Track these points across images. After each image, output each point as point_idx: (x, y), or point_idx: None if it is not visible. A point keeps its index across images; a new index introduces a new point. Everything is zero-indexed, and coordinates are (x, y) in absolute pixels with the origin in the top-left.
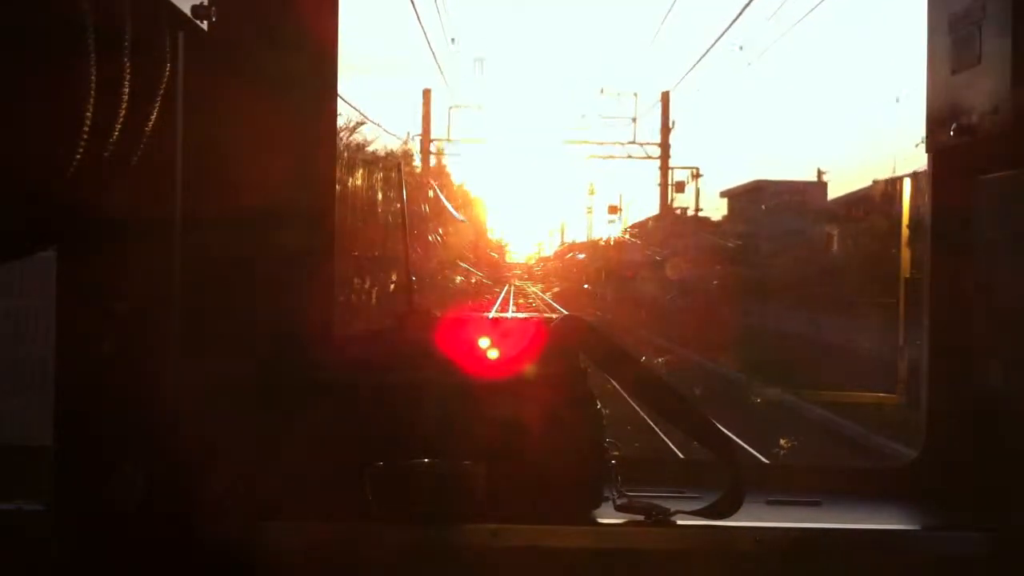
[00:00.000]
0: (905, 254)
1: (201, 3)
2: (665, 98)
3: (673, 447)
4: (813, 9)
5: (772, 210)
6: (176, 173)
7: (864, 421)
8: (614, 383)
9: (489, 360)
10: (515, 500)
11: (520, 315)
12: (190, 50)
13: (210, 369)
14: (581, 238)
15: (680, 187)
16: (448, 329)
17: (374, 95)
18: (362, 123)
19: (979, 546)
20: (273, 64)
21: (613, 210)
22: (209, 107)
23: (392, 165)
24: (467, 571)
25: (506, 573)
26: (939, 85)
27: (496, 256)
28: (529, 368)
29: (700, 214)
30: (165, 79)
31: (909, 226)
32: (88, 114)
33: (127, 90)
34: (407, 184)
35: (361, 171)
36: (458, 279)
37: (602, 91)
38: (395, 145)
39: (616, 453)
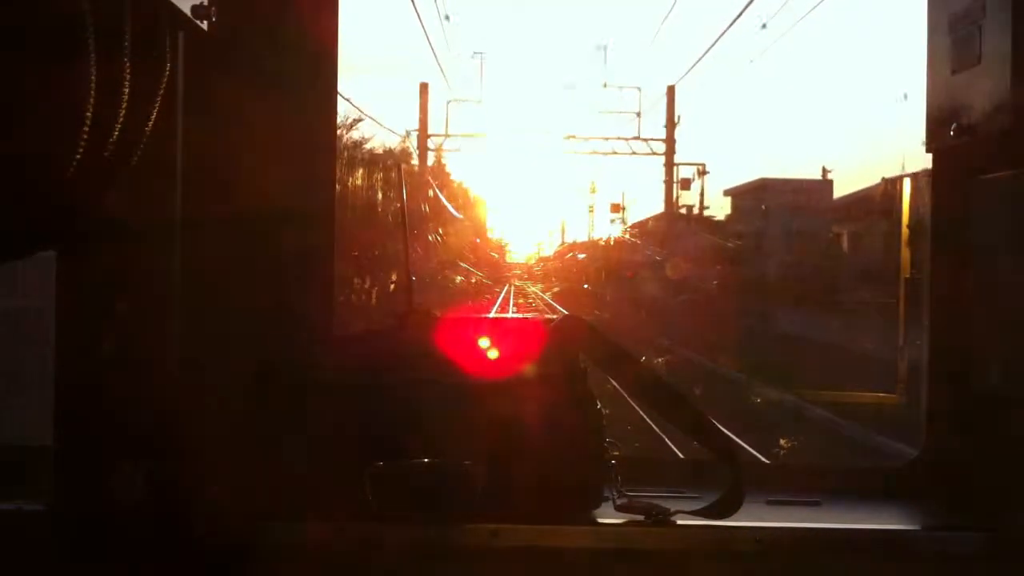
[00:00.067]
0: (905, 254)
1: (201, 3)
2: (670, 92)
3: (673, 447)
4: (816, 6)
5: (777, 209)
6: (176, 173)
7: (864, 421)
8: (614, 383)
9: (489, 360)
10: (515, 500)
11: (520, 316)
12: (190, 50)
13: (210, 369)
14: (582, 237)
15: (685, 184)
16: (448, 329)
17: (374, 95)
18: (360, 120)
19: (979, 546)
20: (273, 64)
21: (616, 208)
22: (209, 107)
23: (390, 162)
24: (467, 571)
25: (506, 573)
26: (939, 85)
27: (496, 256)
28: (529, 368)
29: (705, 213)
30: (165, 79)
31: (909, 226)
32: (88, 114)
33: (127, 90)
34: (407, 183)
35: (359, 169)
36: (458, 279)
37: (605, 85)
38: (393, 142)
39: (616, 453)
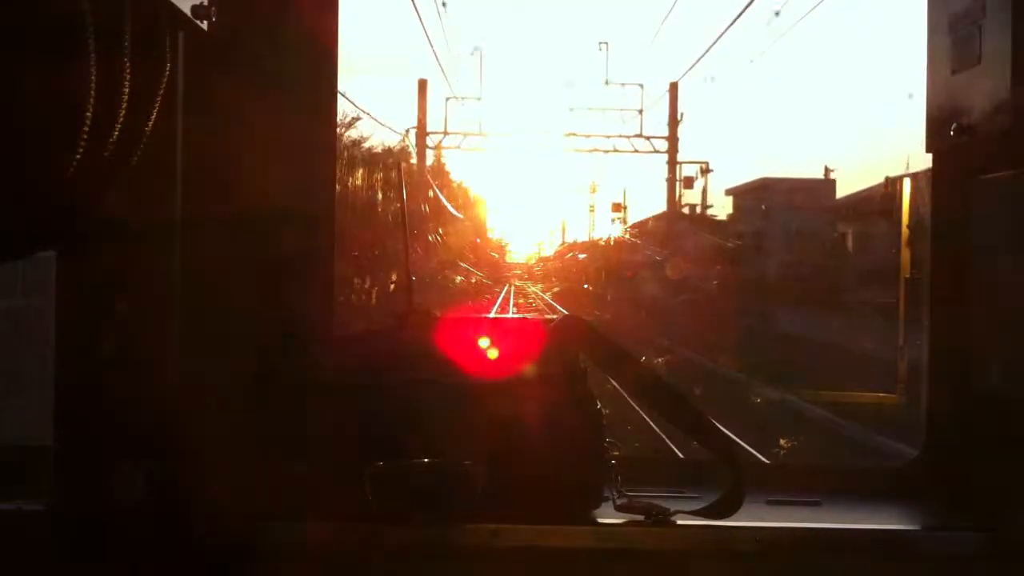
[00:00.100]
0: (905, 254)
1: (201, 3)
2: (673, 89)
3: (673, 447)
4: (816, 6)
5: (779, 208)
6: (176, 173)
7: (864, 421)
8: (614, 383)
9: (489, 360)
10: (515, 500)
11: (520, 316)
12: (190, 50)
13: (210, 369)
14: (582, 237)
15: (688, 183)
16: (448, 329)
17: (374, 95)
18: (357, 118)
19: (979, 546)
20: (273, 64)
21: (617, 208)
22: (209, 107)
23: (390, 161)
24: (467, 571)
25: (506, 573)
26: (939, 85)
27: (496, 256)
28: (529, 368)
29: (708, 212)
30: (165, 79)
31: (909, 226)
32: (88, 114)
33: (127, 90)
34: (407, 183)
35: (358, 167)
36: (458, 279)
37: (607, 82)
38: (393, 141)
39: (616, 453)
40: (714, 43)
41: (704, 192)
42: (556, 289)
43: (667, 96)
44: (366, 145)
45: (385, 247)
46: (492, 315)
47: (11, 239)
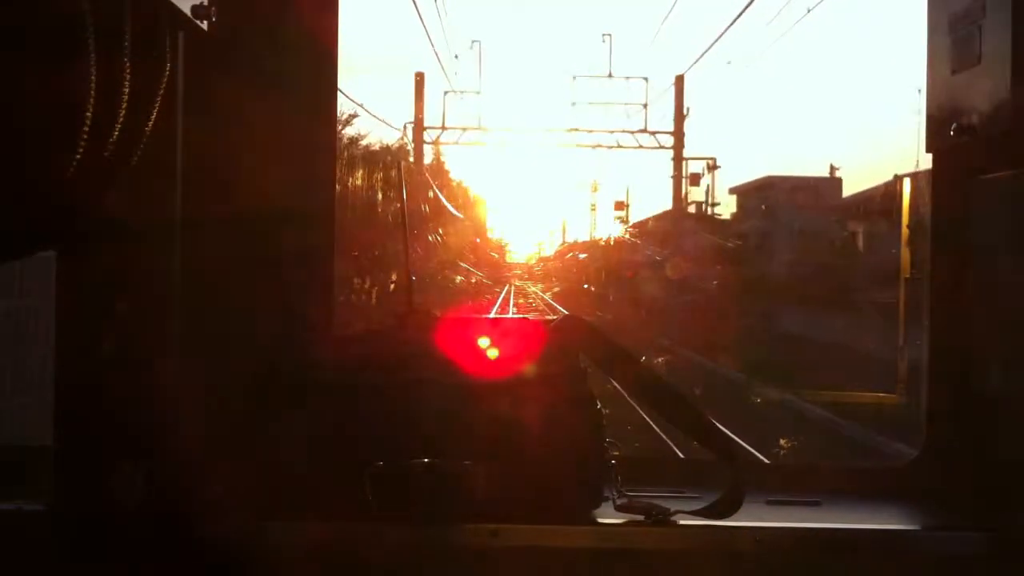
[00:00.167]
0: (905, 254)
1: (201, 3)
2: (679, 82)
3: (673, 447)
4: (820, 2)
5: (784, 207)
6: (176, 173)
7: (864, 421)
8: (614, 383)
9: (489, 360)
10: (515, 500)
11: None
12: (190, 50)
13: (210, 369)
14: (583, 237)
15: (695, 179)
16: (448, 329)
17: (374, 95)
18: (355, 115)
19: (979, 546)
20: (273, 64)
21: (620, 206)
22: (209, 107)
23: (388, 159)
24: (467, 571)
25: (506, 573)
26: (939, 85)
27: (496, 256)
28: (529, 368)
29: (714, 209)
30: (165, 79)
31: (909, 226)
32: (88, 114)
33: (127, 90)
34: (406, 182)
35: (357, 166)
36: (458, 279)
37: (610, 75)
38: (392, 139)
39: (616, 453)
40: (724, 32)
41: (710, 189)
42: (556, 289)
43: (672, 90)
44: (364, 143)
45: (385, 247)
46: (492, 315)
47: (11, 239)
